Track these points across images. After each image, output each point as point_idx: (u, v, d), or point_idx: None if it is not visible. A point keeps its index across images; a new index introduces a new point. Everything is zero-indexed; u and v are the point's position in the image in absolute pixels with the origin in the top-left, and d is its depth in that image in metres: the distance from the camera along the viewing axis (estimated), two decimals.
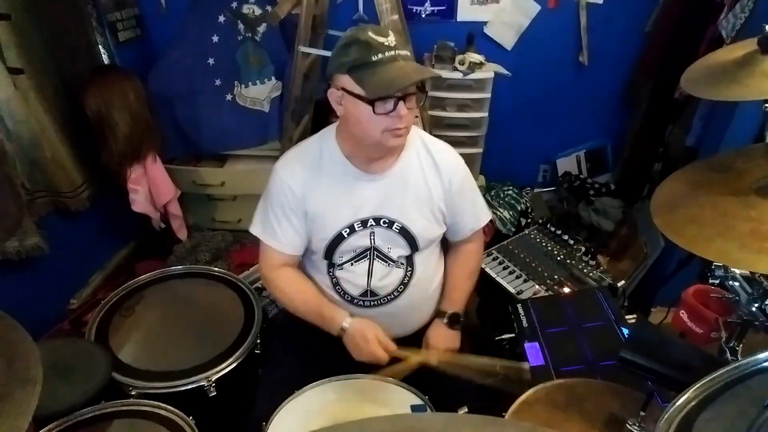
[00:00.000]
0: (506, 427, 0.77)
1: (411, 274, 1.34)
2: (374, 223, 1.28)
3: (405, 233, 1.29)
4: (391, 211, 1.28)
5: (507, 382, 1.26)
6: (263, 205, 1.34)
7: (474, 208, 1.43)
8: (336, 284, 1.36)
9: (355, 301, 1.35)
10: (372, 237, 1.29)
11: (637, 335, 1.10)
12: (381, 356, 1.23)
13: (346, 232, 1.28)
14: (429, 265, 1.39)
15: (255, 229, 1.36)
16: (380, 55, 1.09)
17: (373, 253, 1.31)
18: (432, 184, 1.31)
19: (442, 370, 1.27)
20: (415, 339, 1.39)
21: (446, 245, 1.50)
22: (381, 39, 1.10)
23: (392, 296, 1.35)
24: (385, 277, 1.33)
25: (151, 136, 2.26)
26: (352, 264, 1.33)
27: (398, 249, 1.31)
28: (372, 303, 1.35)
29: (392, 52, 1.10)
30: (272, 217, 1.31)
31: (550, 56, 2.70)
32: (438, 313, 1.43)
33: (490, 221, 2.61)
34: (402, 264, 1.33)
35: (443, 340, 1.38)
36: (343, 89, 1.15)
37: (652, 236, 2.26)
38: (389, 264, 1.32)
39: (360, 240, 1.29)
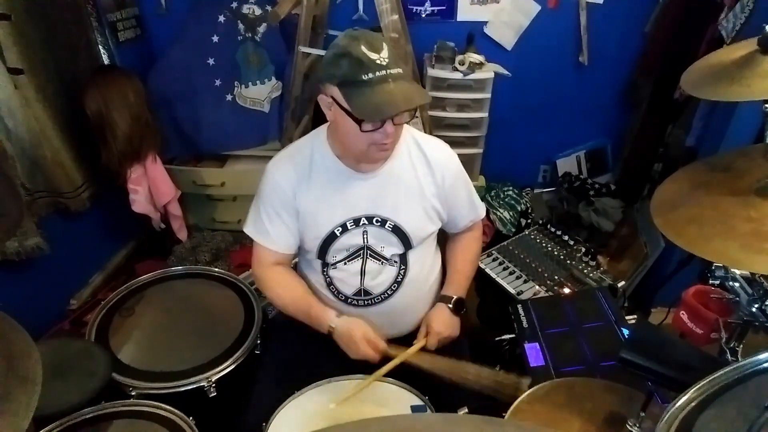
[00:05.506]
0: (506, 427, 0.76)
1: (404, 273, 1.34)
2: (367, 222, 1.29)
3: (398, 231, 1.29)
4: (383, 209, 1.28)
5: (500, 393, 1.22)
6: (256, 205, 1.35)
7: (471, 200, 1.44)
8: (330, 284, 1.36)
9: (349, 300, 1.35)
10: (365, 235, 1.30)
11: (637, 335, 1.10)
12: (371, 355, 1.23)
13: (338, 230, 1.29)
14: (423, 264, 1.39)
15: (248, 228, 1.37)
16: (370, 75, 1.06)
17: (366, 251, 1.31)
18: (424, 181, 1.31)
19: (437, 374, 1.25)
20: (410, 339, 1.37)
21: (443, 237, 1.50)
22: (373, 55, 1.06)
23: (386, 295, 1.34)
24: (378, 276, 1.33)
25: (151, 136, 2.26)
26: (345, 263, 1.32)
27: (391, 247, 1.31)
28: (366, 302, 1.35)
29: (383, 72, 1.07)
30: (264, 216, 1.32)
31: (550, 56, 2.70)
32: (442, 298, 1.42)
33: (491, 221, 2.64)
34: (395, 262, 1.33)
35: (446, 326, 1.36)
36: (333, 98, 1.14)
37: (652, 236, 2.26)
38: (382, 262, 1.32)
39: (353, 239, 1.29)
